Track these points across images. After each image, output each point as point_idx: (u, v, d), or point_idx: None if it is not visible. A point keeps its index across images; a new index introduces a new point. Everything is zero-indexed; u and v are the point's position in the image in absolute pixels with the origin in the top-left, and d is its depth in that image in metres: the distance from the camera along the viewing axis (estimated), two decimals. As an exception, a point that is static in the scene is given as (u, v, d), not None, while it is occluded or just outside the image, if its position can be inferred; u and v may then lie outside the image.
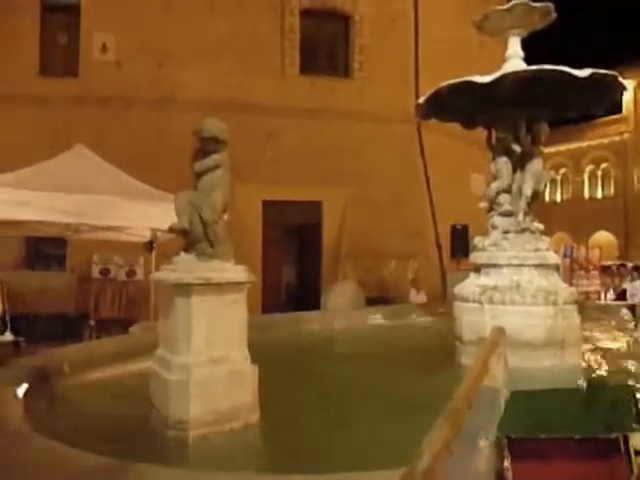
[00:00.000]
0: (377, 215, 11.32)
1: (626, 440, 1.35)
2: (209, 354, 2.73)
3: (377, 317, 6.10)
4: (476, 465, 1.14)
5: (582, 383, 1.58)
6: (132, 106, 10.23)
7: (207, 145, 3.01)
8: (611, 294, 10.78)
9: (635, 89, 28.92)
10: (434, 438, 0.88)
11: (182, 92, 10.43)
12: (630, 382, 1.89)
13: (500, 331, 1.54)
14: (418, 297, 9.02)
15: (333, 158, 11.23)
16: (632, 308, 6.82)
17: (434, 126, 7.90)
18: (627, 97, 28.65)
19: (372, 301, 8.61)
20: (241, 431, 2.67)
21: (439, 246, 11.94)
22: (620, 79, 4.20)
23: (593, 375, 1.56)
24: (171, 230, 2.93)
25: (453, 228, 12.19)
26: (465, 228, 11.58)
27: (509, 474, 1.45)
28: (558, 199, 33.30)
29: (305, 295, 11.75)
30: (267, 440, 2.71)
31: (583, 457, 1.34)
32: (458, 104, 4.78)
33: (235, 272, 2.86)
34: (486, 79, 4.09)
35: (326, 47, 12.56)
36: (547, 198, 33.03)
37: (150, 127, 10.16)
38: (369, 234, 11.21)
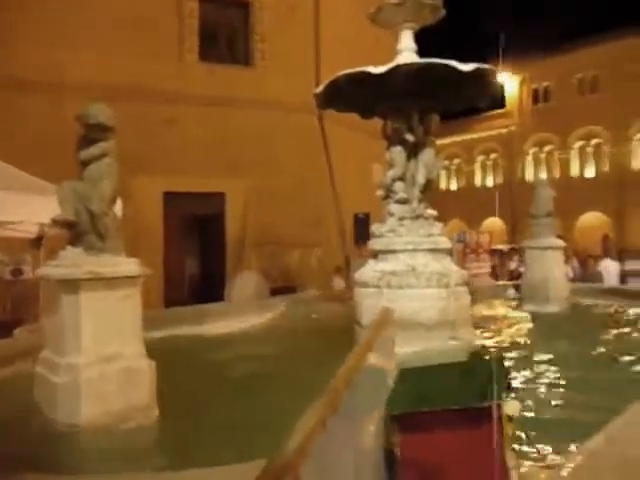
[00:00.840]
0: (281, 205, 11.34)
1: (499, 408, 1.45)
2: (100, 352, 2.60)
3: (280, 307, 6.12)
4: (360, 442, 1.18)
5: (463, 358, 1.68)
6: (22, 90, 9.39)
7: (93, 132, 2.84)
8: (500, 275, 11.62)
9: (519, 84, 31.18)
10: (308, 418, 0.89)
11: (74, 76, 9.73)
12: (504, 355, 2.04)
13: (388, 312, 1.59)
14: (343, 284, 9.11)
15: (236, 148, 11.08)
16: (517, 287, 7.38)
17: (336, 117, 8.03)
18: (512, 92, 30.83)
19: (277, 291, 8.63)
20: (136, 431, 2.57)
21: (342, 234, 12.21)
22: (496, 74, 4.48)
23: (475, 351, 1.67)
24: (55, 223, 2.75)
25: (356, 216, 12.50)
26: (367, 216, 11.92)
27: (397, 448, 1.51)
28: (453, 187, 35.21)
29: (210, 287, 11.53)
30: (163, 438, 2.63)
31: (461, 426, 1.43)
32: (355, 94, 4.88)
33: (127, 266, 2.74)
34: (379, 70, 4.21)
35: (227, 34, 12.30)
36: (443, 186, 34.88)
37: (41, 113, 9.40)
38: (273, 224, 11.22)
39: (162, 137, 10.26)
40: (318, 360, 3.59)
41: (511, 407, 1.53)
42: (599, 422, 2.18)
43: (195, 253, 12.64)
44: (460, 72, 4.24)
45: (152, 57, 10.47)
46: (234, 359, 4.24)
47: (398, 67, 4.27)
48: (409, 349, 3.81)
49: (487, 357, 1.66)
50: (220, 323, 5.19)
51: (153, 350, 2.92)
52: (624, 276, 11.84)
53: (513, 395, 1.65)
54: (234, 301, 6.36)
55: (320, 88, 4.69)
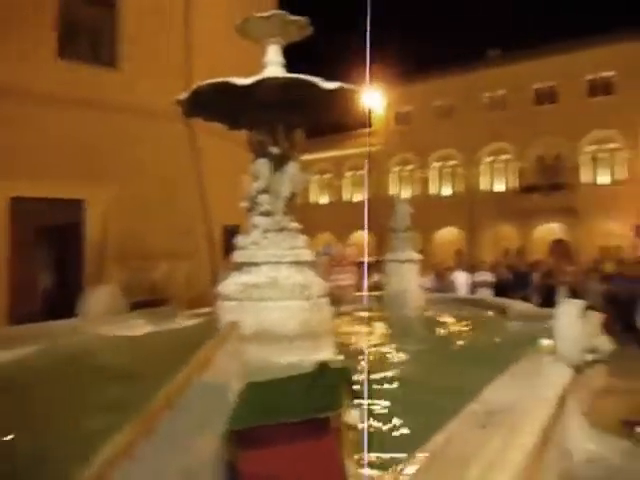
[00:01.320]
0: (147, 215, 10.85)
1: (340, 417, 1.48)
2: None
3: (139, 322, 5.81)
4: (190, 463, 1.12)
5: (310, 369, 1.69)
6: None
7: None
8: (364, 286, 12.13)
9: (385, 107, 33.11)
10: (112, 445, 0.83)
11: None
12: (347, 365, 2.11)
13: (233, 326, 1.55)
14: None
15: (97, 154, 10.41)
16: (379, 298, 7.74)
17: (207, 126, 7.86)
18: (379, 114, 32.67)
19: (142, 305, 8.20)
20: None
21: (212, 246, 11.98)
22: (359, 94, 4.69)
23: (321, 362, 1.70)
24: None
25: (225, 228, 12.33)
26: (236, 228, 11.80)
27: (239, 463, 1.47)
28: (323, 201, 36.32)
29: (67, 302, 10.65)
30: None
31: (303, 438, 1.43)
32: (220, 104, 4.82)
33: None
34: (244, 82, 4.20)
35: (91, 33, 11.56)
36: (314, 200, 35.80)
37: None
38: (138, 235, 10.69)
39: (11, 137, 9.32)
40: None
41: (352, 416, 1.56)
42: (441, 423, 2.33)
43: (50, 265, 11.61)
44: (324, 90, 4.37)
45: (4, 52, 9.52)
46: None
47: (263, 80, 4.29)
48: (270, 361, 3.82)
49: (331, 367, 1.69)
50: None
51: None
52: (474, 286, 12.98)
53: (356, 403, 1.69)
54: (88, 317, 5.91)
55: (183, 96, 4.57)
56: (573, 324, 3.78)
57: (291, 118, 4.93)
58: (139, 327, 5.67)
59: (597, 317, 5.52)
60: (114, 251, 10.72)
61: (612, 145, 28.91)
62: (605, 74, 28.79)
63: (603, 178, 29.41)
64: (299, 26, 4.94)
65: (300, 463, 1.44)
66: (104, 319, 5.70)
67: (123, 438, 0.84)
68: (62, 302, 11.09)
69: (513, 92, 30.60)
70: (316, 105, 4.88)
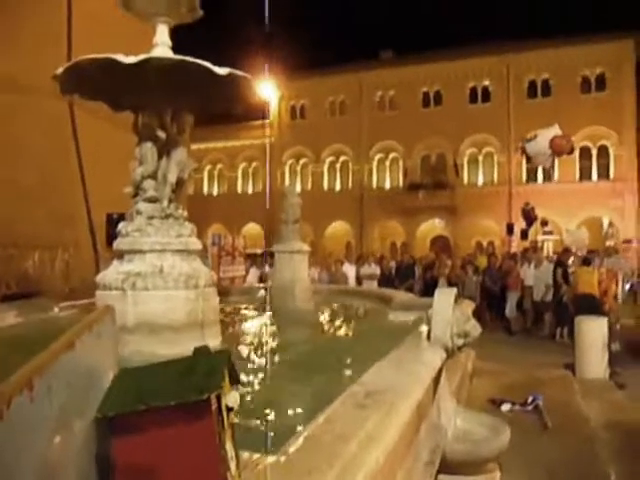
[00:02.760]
0: (20, 199, 10.01)
1: (219, 399, 1.46)
2: None
3: (10, 314, 5.34)
4: (49, 456, 1.05)
5: (189, 353, 1.65)
6: None
7: None
8: (253, 277, 12.13)
9: (279, 99, 33.17)
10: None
11: None
12: (228, 348, 2.10)
13: (106, 310, 1.48)
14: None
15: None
16: (267, 289, 7.75)
17: (89, 106, 7.36)
18: (273, 106, 32.65)
19: (12, 297, 7.54)
20: None
21: (93, 235, 11.30)
22: (252, 82, 4.65)
23: (199, 346, 1.68)
24: None
25: (109, 216, 11.68)
26: (122, 216, 11.22)
27: (111, 453, 1.41)
28: (215, 192, 35.66)
29: None
30: None
31: (177, 423, 1.40)
32: (103, 82, 4.54)
33: None
34: (129, 60, 3.99)
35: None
36: (206, 191, 35.02)
37: None
38: (9, 220, 9.81)
39: None
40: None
41: (231, 398, 1.55)
42: (322, 405, 2.39)
43: None
44: (214, 74, 4.27)
45: None
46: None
47: (149, 60, 4.11)
48: (154, 353, 3.69)
49: (210, 350, 1.67)
50: None
51: None
52: (361, 279, 13.47)
53: (239, 386, 1.68)
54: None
55: (60, 70, 4.25)
56: (446, 310, 4.03)
57: (179, 102, 4.77)
58: (6, 319, 5.20)
59: (468, 304, 5.97)
60: (-21, 238, 9.76)
61: (488, 149, 31.31)
62: (484, 83, 31.06)
63: (480, 179, 31.77)
64: (189, 7, 4.78)
65: (178, 448, 1.41)
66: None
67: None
68: None
69: (403, 93, 32.04)
70: (206, 90, 4.76)
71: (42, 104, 10.25)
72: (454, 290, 4.20)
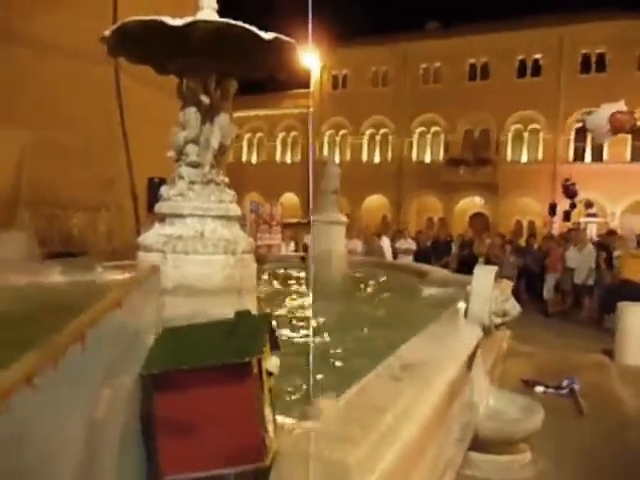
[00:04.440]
0: (65, 162, 10.23)
1: (259, 363, 1.47)
2: None
3: (55, 271, 5.52)
4: (98, 410, 1.08)
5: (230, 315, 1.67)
6: None
7: None
8: (291, 247, 12.19)
9: (321, 69, 32.73)
10: (11, 370, 0.77)
11: None
12: (269, 312, 2.11)
13: (152, 270, 1.49)
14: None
15: (8, 94, 9.61)
16: (304, 258, 7.81)
17: (134, 71, 7.39)
18: (315, 75, 32.26)
19: (56, 256, 7.80)
20: None
21: (135, 198, 11.51)
22: (296, 48, 4.57)
23: (240, 310, 1.70)
24: None
25: (150, 180, 11.89)
26: (162, 181, 11.37)
27: (154, 408, 1.44)
28: (254, 161, 35.76)
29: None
30: None
31: (220, 383, 1.42)
32: (150, 46, 4.54)
33: None
34: (176, 22, 3.96)
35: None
36: (244, 159, 35.17)
37: None
38: (55, 182, 10.08)
39: None
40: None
41: (271, 363, 1.56)
42: (358, 376, 2.40)
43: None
44: (260, 39, 4.21)
45: None
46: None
47: (196, 23, 4.06)
48: (192, 313, 3.75)
49: (252, 314, 1.67)
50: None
51: None
52: (396, 253, 13.40)
53: (278, 351, 1.69)
54: (-4, 263, 5.54)
55: (108, 32, 4.25)
56: (485, 287, 3.97)
57: (224, 67, 4.72)
58: (52, 276, 5.39)
59: (508, 284, 5.86)
60: (27, 197, 10.09)
61: (534, 126, 30.29)
62: (535, 56, 29.88)
63: (524, 157, 30.86)
64: (237, -30, 4.71)
65: (218, 408, 1.43)
66: (14, 265, 5.37)
67: (23, 365, 0.78)
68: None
69: (448, 65, 31.14)
70: (250, 56, 4.70)
71: (86, 68, 10.38)
72: (494, 268, 4.13)
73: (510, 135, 30.71)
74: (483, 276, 3.96)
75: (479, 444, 3.60)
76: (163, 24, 3.97)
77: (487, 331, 3.90)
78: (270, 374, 1.57)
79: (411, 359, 2.72)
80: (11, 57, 9.56)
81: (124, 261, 6.50)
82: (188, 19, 4.07)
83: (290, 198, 32.26)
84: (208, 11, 4.62)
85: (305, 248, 12.01)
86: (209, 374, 1.41)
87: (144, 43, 4.47)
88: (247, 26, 4.15)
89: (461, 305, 4.07)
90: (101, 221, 10.92)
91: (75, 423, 0.93)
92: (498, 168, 30.03)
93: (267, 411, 1.57)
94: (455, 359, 2.92)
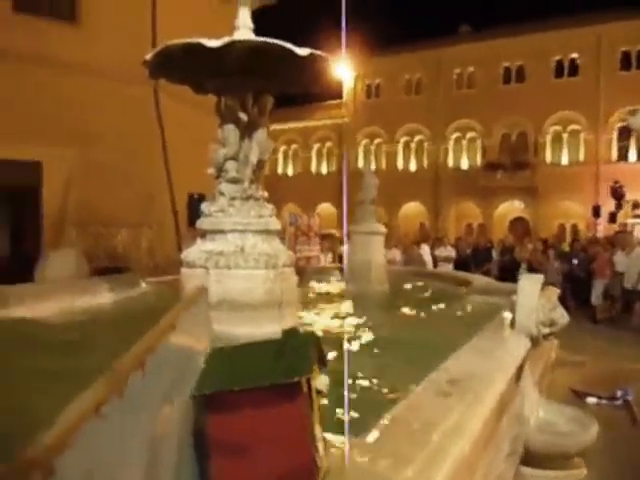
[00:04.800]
0: (109, 181, 10.54)
1: (309, 382, 1.47)
2: None
3: (102, 287, 5.68)
4: (157, 430, 1.10)
5: (277, 335, 1.68)
6: None
7: None
8: (329, 258, 12.19)
9: (355, 79, 32.83)
10: (77, 403, 0.80)
11: None
12: (316, 331, 2.11)
13: (200, 291, 1.52)
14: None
15: (56, 114, 9.99)
16: (342, 269, 7.80)
17: (172, 91, 7.61)
18: (348, 85, 32.37)
19: (102, 272, 8.03)
20: None
21: (175, 214, 11.77)
22: (330, 62, 4.61)
23: (289, 328, 1.70)
24: None
25: (190, 196, 12.13)
26: (202, 197, 11.62)
27: (207, 429, 1.46)
28: (290, 172, 36.04)
29: (23, 269, 10.33)
30: None
31: (271, 403, 1.42)
32: (189, 66, 4.66)
33: None
34: (214, 43, 4.06)
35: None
36: (280, 171, 35.51)
37: None
38: (99, 201, 10.39)
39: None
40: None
41: (320, 381, 1.56)
42: (404, 388, 2.38)
43: (4, 230, 11.23)
44: (295, 55, 4.26)
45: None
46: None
47: (233, 43, 4.15)
48: (239, 331, 3.80)
49: (300, 333, 1.68)
50: (24, 307, 4.63)
51: None
52: (436, 261, 13.23)
53: (326, 369, 1.69)
54: (47, 281, 5.74)
55: (150, 55, 4.39)
56: (532, 297, 3.88)
57: (260, 84, 4.81)
58: (101, 293, 5.55)
59: (554, 291, 5.70)
60: (74, 216, 10.44)
61: (574, 127, 29.54)
62: (572, 55, 29.22)
63: (564, 158, 30.11)
64: (272, -12, 4.80)
65: (270, 428, 1.44)
66: (65, 283, 5.55)
67: (91, 395, 0.81)
68: (18, 269, 10.77)
69: (482, 69, 30.75)
70: (286, 71, 4.77)
71: (126, 89, 10.71)
72: (541, 277, 4.03)
73: (549, 137, 30.02)
74: (529, 286, 3.87)
75: (531, 458, 3.50)
76: (202, 45, 4.07)
77: (535, 341, 3.80)
78: (319, 392, 1.56)
79: (458, 373, 2.67)
80: (56, 82, 9.95)
81: (166, 276, 6.65)
82: (225, 39, 4.16)
83: (326, 208, 32.34)
84: (244, 31, 4.72)
85: (340, 259, 12.00)
86: (260, 394, 1.42)
87: (183, 64, 4.60)
88: (283, 43, 4.21)
89: (507, 315, 3.98)
90: (143, 237, 11.19)
91: (137, 448, 0.96)
92: (537, 171, 29.36)
93: (317, 430, 1.57)
94: (504, 371, 2.85)
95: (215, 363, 1.54)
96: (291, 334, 1.66)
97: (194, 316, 1.38)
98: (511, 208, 30.70)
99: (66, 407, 0.76)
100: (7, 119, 9.29)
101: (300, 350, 1.52)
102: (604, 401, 5.08)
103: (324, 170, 34.83)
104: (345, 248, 12.09)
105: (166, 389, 1.14)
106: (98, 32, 10.78)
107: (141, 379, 0.95)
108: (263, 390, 1.42)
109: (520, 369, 3.46)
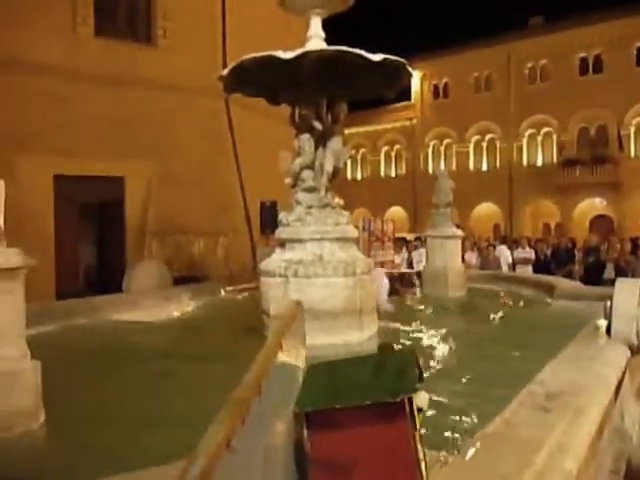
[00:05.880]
0: (184, 191, 10.92)
1: (410, 401, 1.43)
2: (-26, 354, 2.31)
3: (185, 296, 5.89)
4: (269, 447, 1.10)
5: (374, 351, 1.65)
6: None
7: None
8: (404, 263, 11.99)
9: (421, 79, 32.35)
10: (211, 437, 0.80)
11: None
12: (414, 347, 2.05)
13: (297, 305, 1.52)
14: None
15: (135, 130, 10.48)
16: (418, 274, 7.63)
17: (243, 101, 7.79)
18: (415, 87, 31.96)
19: (182, 280, 8.32)
20: (18, 440, 2.31)
21: (249, 222, 12.01)
22: (407, 65, 4.55)
23: (385, 343, 1.67)
24: None
25: (262, 204, 12.35)
26: (274, 204, 11.81)
27: (308, 446, 1.45)
28: (359, 177, 35.98)
29: (108, 278, 10.92)
30: (48, 447, 2.38)
31: (373, 422, 1.39)
32: (263, 79, 4.75)
33: (5, 257, 2.44)
34: (288, 55, 4.11)
35: (126, 9, 11.57)
36: (349, 176, 35.53)
37: None
38: (176, 211, 10.79)
39: (52, 115, 9.44)
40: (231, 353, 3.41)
41: (420, 399, 1.51)
42: (499, 407, 2.28)
43: (92, 241, 11.91)
44: (370, 61, 4.24)
45: (41, 28, 9.59)
46: (136, 355, 3.99)
47: (307, 53, 4.19)
48: (319, 340, 3.80)
49: (398, 349, 1.64)
50: (119, 315, 4.88)
51: (42, 346, 2.69)
52: (514, 264, 12.70)
53: (423, 385, 1.64)
54: (133, 291, 6.01)
55: (226, 71, 4.51)
56: (629, 303, 3.63)
57: (334, 92, 4.82)
58: (184, 301, 5.74)
59: (651, 296, 5.32)
60: (153, 227, 10.88)
61: (660, 117, 27.63)
62: (654, 42, 27.38)
63: (650, 151, 28.20)
64: (342, -4, 4.79)
65: (372, 447, 1.41)
66: (150, 293, 5.79)
67: (220, 428, 0.81)
68: (103, 278, 11.40)
69: (556, 62, 29.38)
70: (359, 78, 4.75)
71: (199, 101, 11.08)
72: (638, 281, 3.76)
73: (632, 129, 28.22)
74: (626, 290, 3.62)
75: (635, 476, 3.27)
76: (276, 58, 4.13)
77: (635, 351, 3.55)
78: (420, 410, 1.52)
79: (556, 386, 2.53)
80: (134, 98, 10.45)
81: (244, 284, 6.79)
82: (299, 50, 4.20)
83: (397, 211, 32.00)
84: (316, 40, 4.75)
85: (410, 264, 11.76)
86: (362, 413, 1.39)
87: (258, 77, 4.69)
88: (356, 50, 4.20)
89: (602, 322, 3.75)
90: (219, 245, 11.51)
91: (256, 469, 0.96)
92: (620, 165, 27.63)
93: (419, 450, 1.52)
94: (605, 385, 2.68)
95: (313, 380, 1.53)
96: (387, 349, 1.63)
97: (294, 333, 1.38)
98: (592, 206, 29.07)
99: (199, 447, 0.76)
100: (92, 138, 9.85)
101: (401, 368, 1.48)
102: None
103: (393, 173, 34.51)
104: (417, 253, 11.89)
105: (276, 407, 1.14)
106: (172, 51, 11.22)
107: (258, 404, 0.95)
108: (365, 409, 1.39)
109: (620, 380, 3.24)
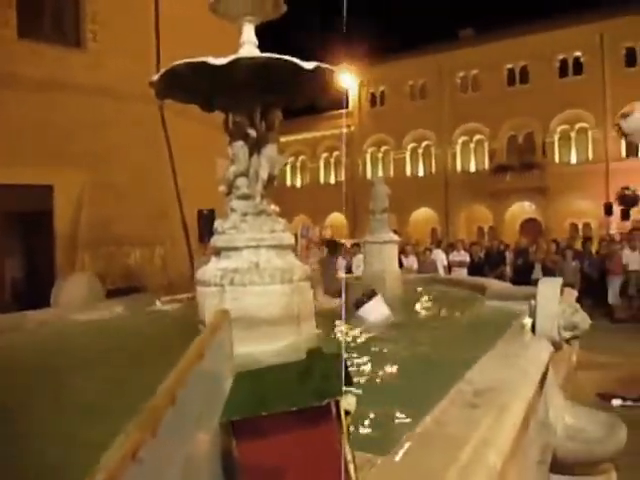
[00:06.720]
0: (119, 200, 10.60)
1: (337, 404, 1.44)
2: None
3: (117, 309, 5.69)
4: (189, 459, 1.08)
5: (301, 356, 1.65)
6: None
7: None
8: (343, 268, 12.15)
9: (359, 87, 32.96)
10: (115, 450, 0.78)
11: None
12: (340, 350, 2.09)
13: (224, 314, 1.51)
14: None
15: (65, 138, 10.09)
16: (357, 279, 7.76)
17: (179, 108, 7.65)
18: (352, 95, 32.50)
19: (118, 292, 8.05)
20: None
21: (186, 231, 11.80)
22: (335, 74, 4.61)
23: (312, 348, 1.67)
24: None
25: (200, 213, 12.17)
26: (212, 212, 11.66)
27: (236, 455, 1.43)
28: (298, 184, 36.13)
29: (37, 291, 10.41)
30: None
31: (299, 427, 1.40)
32: (195, 85, 4.69)
33: None
34: (220, 61, 4.08)
35: (52, 11, 11.13)
36: (289, 182, 35.60)
37: None
38: (110, 221, 10.46)
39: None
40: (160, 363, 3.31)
41: (348, 401, 1.53)
42: (429, 401, 2.34)
43: (18, 253, 11.31)
44: (301, 69, 4.27)
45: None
46: (53, 365, 3.81)
47: (239, 60, 4.18)
48: (257, 348, 3.78)
49: (323, 353, 1.66)
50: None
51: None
52: (449, 266, 13.14)
53: (352, 388, 1.66)
54: (62, 305, 5.76)
55: (156, 77, 4.42)
56: (552, 301, 3.82)
57: (268, 99, 4.83)
58: (114, 314, 5.55)
59: (571, 292, 5.63)
60: (86, 238, 10.49)
61: (581, 124, 29.38)
62: (575, 54, 29.13)
63: (573, 157, 29.92)
64: (275, 3, 4.81)
65: (300, 453, 1.41)
66: (81, 307, 5.57)
67: (128, 439, 0.79)
68: (32, 291, 10.85)
69: (486, 72, 30.73)
70: (292, 85, 4.78)
71: (132, 107, 10.79)
72: (560, 280, 3.97)
73: (556, 136, 29.86)
74: (548, 289, 3.82)
75: (559, 466, 3.43)
76: (208, 64, 4.09)
77: (557, 346, 3.74)
78: (347, 413, 1.53)
79: (483, 383, 2.62)
80: (64, 103, 10.05)
81: (181, 295, 6.65)
82: (231, 57, 4.18)
83: (337, 217, 32.33)
84: (249, 47, 4.74)
85: (349, 269, 11.93)
86: (288, 419, 1.39)
87: (190, 83, 4.62)
88: (288, 58, 4.22)
89: (527, 321, 3.92)
90: (156, 255, 11.23)
91: (173, 474, 0.94)
92: (546, 171, 29.18)
93: (348, 452, 1.54)
94: (530, 380, 2.80)
95: (240, 388, 1.52)
96: (316, 355, 1.64)
97: (220, 342, 1.37)
98: (522, 210, 30.50)
99: (103, 456, 0.74)
100: (17, 144, 9.39)
101: (327, 371, 1.50)
102: (630, 402, 4.99)
103: (332, 180, 34.86)
104: (356, 258, 12.04)
105: (197, 419, 1.12)
106: (103, 55, 10.88)
107: (172, 414, 0.93)
108: (291, 414, 1.40)
109: (544, 375, 3.40)
